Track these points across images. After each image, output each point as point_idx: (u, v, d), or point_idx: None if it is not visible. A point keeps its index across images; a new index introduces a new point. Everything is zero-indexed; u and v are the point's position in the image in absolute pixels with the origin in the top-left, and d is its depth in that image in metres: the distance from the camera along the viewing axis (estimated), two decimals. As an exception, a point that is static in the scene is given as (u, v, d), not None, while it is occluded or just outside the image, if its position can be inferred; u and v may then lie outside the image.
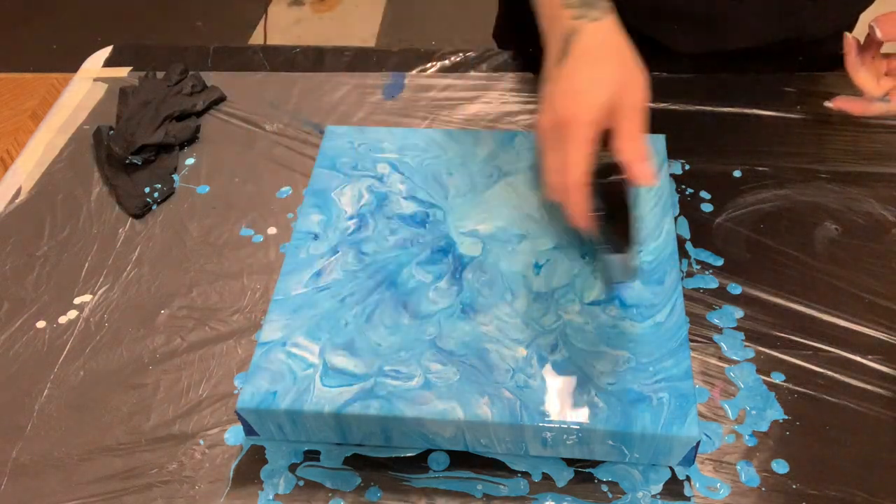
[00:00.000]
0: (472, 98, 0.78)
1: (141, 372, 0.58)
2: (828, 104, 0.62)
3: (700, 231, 0.64)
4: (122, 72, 0.85)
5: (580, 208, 0.48)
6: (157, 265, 0.65)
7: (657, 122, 0.73)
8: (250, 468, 0.52)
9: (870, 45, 0.61)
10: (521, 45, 0.86)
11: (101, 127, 0.76)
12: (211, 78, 0.82)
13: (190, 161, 0.74)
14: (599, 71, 0.49)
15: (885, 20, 0.58)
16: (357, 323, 0.53)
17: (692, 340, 0.57)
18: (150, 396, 0.56)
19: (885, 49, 0.64)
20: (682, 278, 0.61)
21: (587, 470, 0.51)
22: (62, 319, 0.62)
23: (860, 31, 0.68)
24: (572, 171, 0.47)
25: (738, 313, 0.59)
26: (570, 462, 0.51)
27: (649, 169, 0.47)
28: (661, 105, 0.76)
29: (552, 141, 0.49)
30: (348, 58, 0.85)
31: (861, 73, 0.61)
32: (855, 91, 0.65)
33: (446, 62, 0.83)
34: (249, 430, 0.51)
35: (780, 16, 0.74)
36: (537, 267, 0.56)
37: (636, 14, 0.79)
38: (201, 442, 0.54)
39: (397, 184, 0.62)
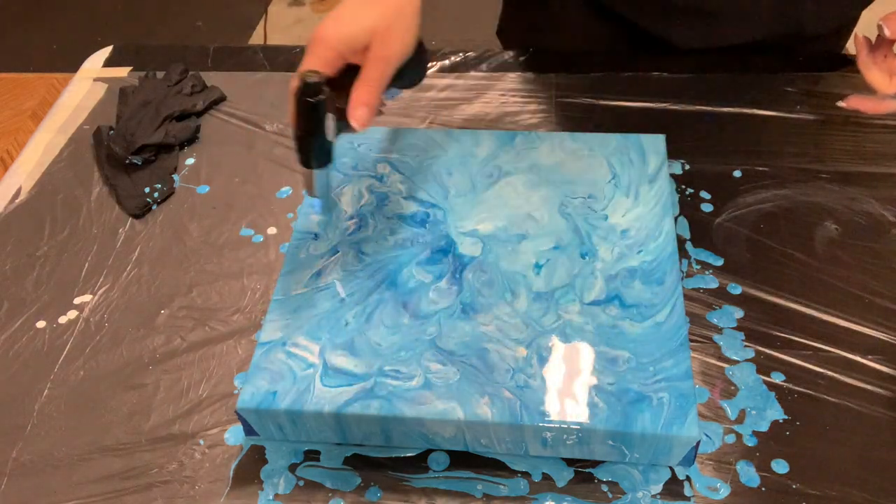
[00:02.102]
0: (472, 98, 0.78)
1: (141, 372, 0.58)
2: (841, 103, 0.62)
3: (700, 231, 0.64)
4: (122, 72, 0.85)
5: (289, 114, 0.51)
6: (157, 265, 0.65)
7: (657, 122, 0.74)
8: (250, 468, 0.52)
9: (881, 44, 0.61)
10: (525, 42, 0.86)
11: (101, 127, 0.76)
12: (211, 78, 0.82)
13: (190, 161, 0.74)
14: (362, 11, 0.52)
15: (893, 18, 0.58)
16: (357, 323, 0.53)
17: (692, 340, 0.57)
18: (150, 396, 0.56)
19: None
20: (682, 278, 0.61)
21: (587, 470, 0.51)
22: (62, 319, 0.62)
23: (863, 29, 0.67)
24: (294, 80, 0.50)
25: (738, 313, 0.59)
26: (570, 462, 0.51)
27: (365, 117, 0.51)
28: (661, 105, 0.76)
29: (310, 39, 0.53)
30: (348, 58, 0.85)
31: (873, 71, 0.61)
32: (865, 90, 0.64)
33: (446, 62, 0.83)
34: (249, 430, 0.51)
35: (779, 11, 0.74)
36: (537, 267, 0.56)
37: (638, 10, 0.79)
38: (201, 442, 0.54)
39: (397, 184, 0.62)
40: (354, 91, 0.51)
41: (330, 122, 0.51)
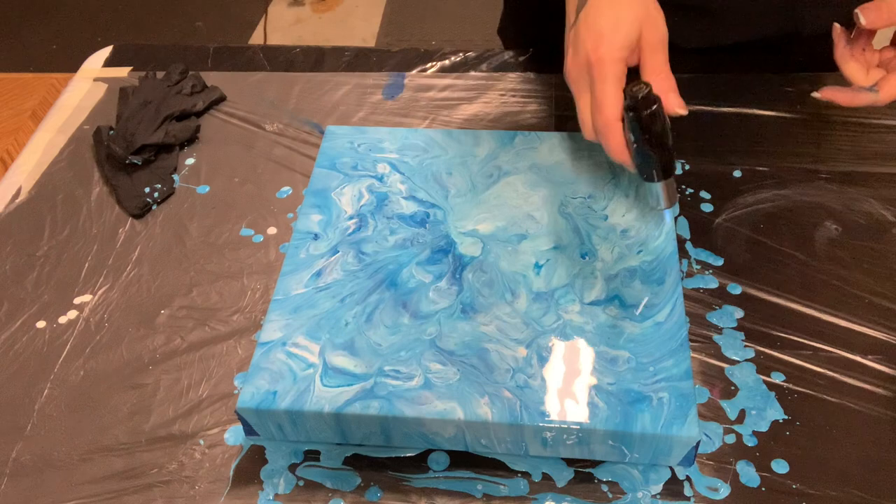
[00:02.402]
0: (472, 98, 0.78)
1: (141, 372, 0.58)
2: (815, 94, 0.62)
3: (700, 231, 0.64)
4: (122, 72, 0.85)
5: (617, 142, 0.50)
6: (157, 265, 0.65)
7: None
8: (250, 468, 0.52)
9: (860, 36, 0.60)
10: (525, 41, 0.86)
11: (101, 127, 0.76)
12: (211, 78, 0.82)
13: (190, 161, 0.74)
14: (620, 11, 0.51)
15: (869, 7, 0.58)
16: (357, 323, 0.53)
17: (692, 340, 0.57)
18: (150, 396, 0.56)
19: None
20: (682, 278, 0.61)
21: (587, 470, 0.51)
22: (62, 319, 0.62)
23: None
24: (607, 109, 0.50)
25: (738, 313, 0.59)
26: (570, 462, 0.51)
27: (679, 100, 0.50)
28: (661, 105, 0.76)
29: (582, 83, 0.52)
30: (348, 58, 0.85)
31: (850, 63, 0.60)
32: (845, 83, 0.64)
33: (446, 62, 0.83)
34: (249, 430, 0.51)
35: (778, 10, 0.74)
36: (537, 267, 0.56)
37: None
38: (201, 442, 0.54)
39: (397, 184, 0.63)
40: (654, 85, 0.50)
41: (667, 123, 0.50)
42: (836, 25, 0.61)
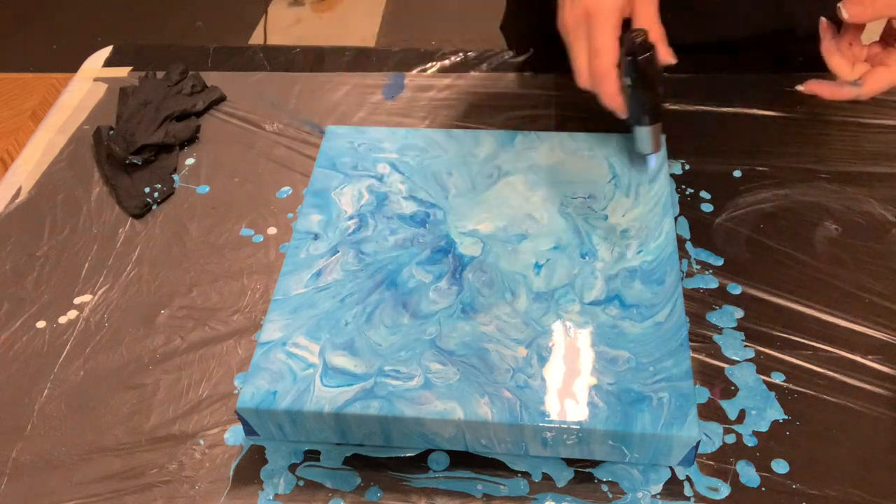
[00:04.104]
0: (472, 98, 0.78)
1: (141, 372, 0.58)
2: (799, 87, 0.62)
3: (700, 231, 0.64)
4: (122, 72, 0.85)
5: (612, 89, 0.53)
6: (157, 265, 0.65)
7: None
8: (250, 468, 0.52)
9: (847, 30, 0.60)
10: (528, 37, 0.86)
11: (101, 127, 0.76)
12: (211, 78, 0.82)
13: (190, 161, 0.74)
14: None
15: (853, 2, 0.58)
16: (357, 323, 0.53)
17: (692, 340, 0.57)
18: (150, 396, 0.56)
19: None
20: (682, 278, 0.61)
21: (587, 470, 0.51)
22: (62, 319, 0.62)
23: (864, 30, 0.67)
24: (603, 56, 0.52)
25: (738, 313, 0.59)
26: (570, 462, 0.51)
27: (668, 49, 0.53)
28: (661, 105, 0.76)
29: (578, 32, 0.54)
30: (348, 58, 0.85)
31: (835, 57, 0.60)
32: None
33: (446, 62, 0.83)
34: (249, 430, 0.51)
35: (765, 7, 0.74)
36: (537, 267, 0.56)
37: None
38: (201, 442, 0.54)
39: (397, 184, 0.63)
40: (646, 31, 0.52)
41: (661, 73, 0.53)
42: (823, 20, 0.61)
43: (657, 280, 0.54)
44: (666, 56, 0.53)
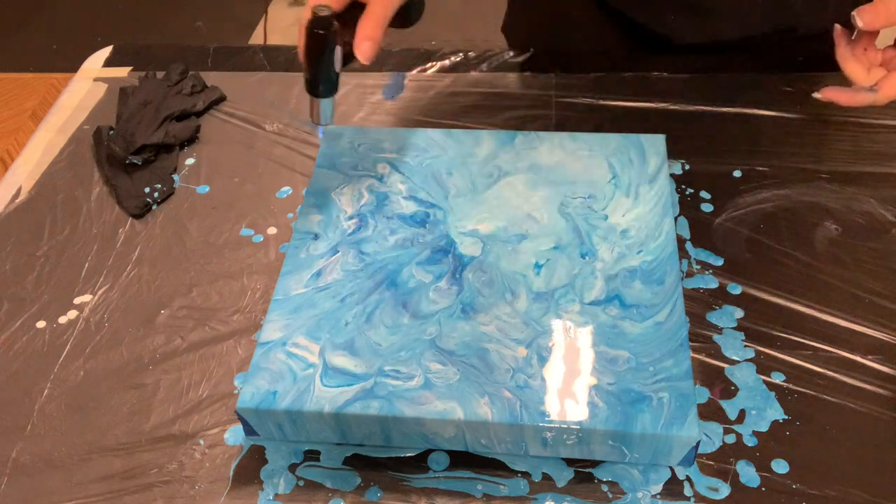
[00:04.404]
0: (472, 98, 0.78)
1: (141, 372, 0.58)
2: (816, 95, 0.62)
3: (700, 231, 0.64)
4: (122, 72, 0.85)
5: (300, 45, 0.55)
6: (157, 265, 0.65)
7: (657, 122, 0.74)
8: (250, 468, 0.52)
9: (861, 36, 0.60)
10: (529, 38, 0.86)
11: (101, 127, 0.76)
12: (211, 78, 0.82)
13: (190, 161, 0.74)
14: None
15: (866, 10, 0.58)
16: (357, 323, 0.53)
17: (692, 340, 0.57)
18: (150, 396, 0.56)
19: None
20: (682, 278, 0.61)
21: (587, 470, 0.51)
22: (62, 319, 0.62)
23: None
24: (305, 10, 0.54)
25: (738, 313, 0.59)
26: (570, 462, 0.51)
27: (369, 49, 0.54)
28: (661, 105, 0.76)
29: None
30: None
31: (850, 62, 0.60)
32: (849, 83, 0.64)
33: (446, 62, 0.83)
34: (249, 430, 0.51)
35: (771, 7, 0.74)
36: (537, 267, 0.56)
37: (633, 4, 0.79)
38: (201, 442, 0.54)
39: (397, 184, 0.63)
40: (360, 26, 0.54)
41: (338, 53, 0.55)
42: (837, 26, 0.61)
43: (657, 280, 0.54)
44: (359, 50, 0.55)
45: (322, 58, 0.55)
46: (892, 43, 0.61)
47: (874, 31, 0.59)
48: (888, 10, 0.57)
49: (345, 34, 0.55)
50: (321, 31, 0.53)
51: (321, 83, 0.56)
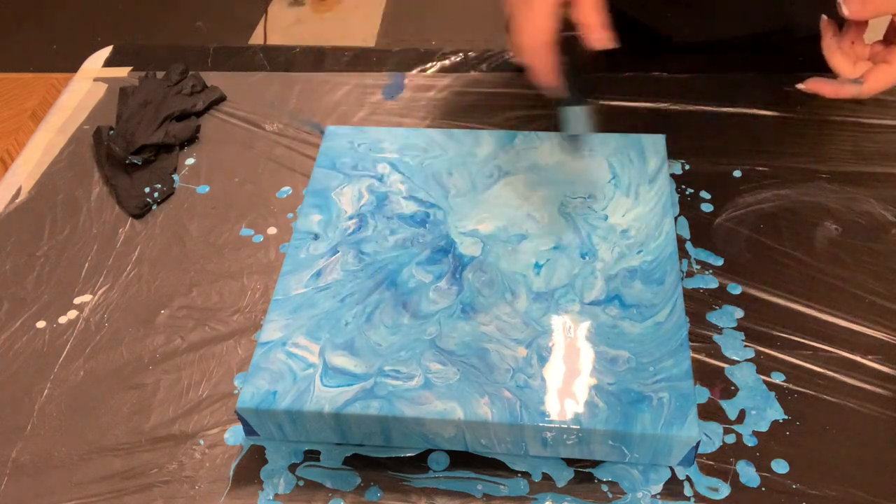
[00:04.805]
0: (472, 98, 0.78)
1: (141, 372, 0.58)
2: (800, 86, 0.62)
3: (700, 231, 0.64)
4: (122, 72, 0.85)
5: (547, 65, 0.53)
6: (157, 265, 0.65)
7: (657, 122, 0.74)
8: (250, 468, 0.52)
9: (849, 29, 0.60)
10: None
11: (101, 127, 0.76)
12: (211, 78, 0.82)
13: (190, 161, 0.74)
14: None
15: None
16: (357, 323, 0.53)
17: (692, 340, 0.57)
18: (150, 396, 0.56)
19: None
20: (682, 278, 0.61)
21: (587, 470, 0.51)
22: (62, 319, 0.62)
23: (868, 31, 0.67)
24: (540, 31, 0.52)
25: (738, 313, 0.59)
26: (570, 462, 0.51)
27: (604, 36, 0.52)
28: (661, 105, 0.76)
29: (520, 5, 0.54)
30: (348, 58, 0.85)
31: (836, 55, 0.60)
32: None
33: (446, 62, 0.83)
34: (249, 430, 0.51)
35: (770, 3, 0.74)
36: (537, 267, 0.56)
37: (634, 1, 0.79)
38: (201, 442, 0.54)
39: (397, 184, 0.63)
40: (584, 19, 0.52)
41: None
42: (824, 17, 0.61)
43: (657, 280, 0.54)
44: (598, 40, 0.53)
45: (581, 62, 0.53)
46: (880, 38, 0.60)
47: (861, 21, 0.59)
48: (874, 0, 0.56)
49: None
50: (570, 33, 0.52)
51: (583, 90, 0.55)
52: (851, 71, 0.59)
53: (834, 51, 0.60)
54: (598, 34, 0.52)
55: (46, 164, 0.75)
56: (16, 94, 2.04)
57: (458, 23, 2.22)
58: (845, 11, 0.57)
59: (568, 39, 0.52)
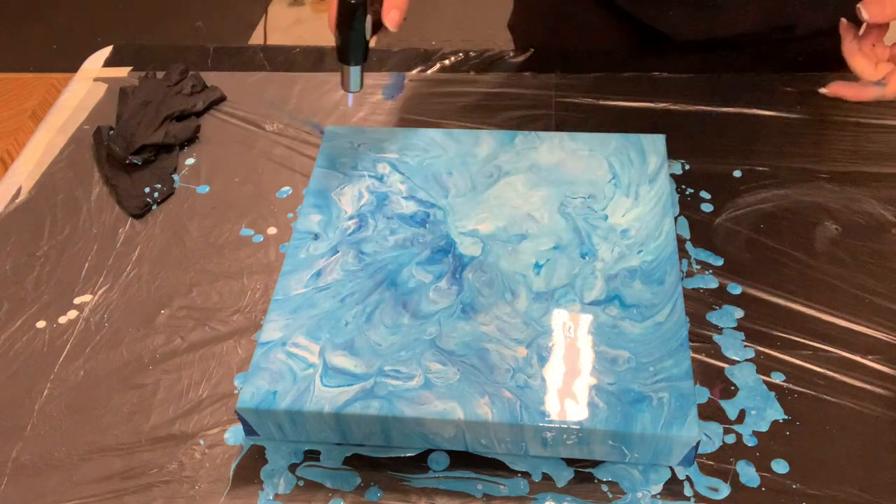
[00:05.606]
0: (472, 98, 0.78)
1: (141, 372, 0.58)
2: (822, 90, 0.62)
3: (700, 231, 0.64)
4: (122, 72, 0.85)
5: (330, 15, 0.57)
6: (157, 265, 0.65)
7: (657, 122, 0.74)
8: (250, 468, 0.52)
9: (869, 31, 0.60)
10: (536, 36, 0.86)
11: (101, 127, 0.76)
12: (211, 78, 0.82)
13: (190, 161, 0.74)
14: None
15: (872, 2, 0.58)
16: (357, 323, 0.53)
17: (692, 340, 0.57)
18: (150, 396, 0.56)
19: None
20: (682, 278, 0.61)
21: (587, 470, 0.51)
22: (62, 319, 0.62)
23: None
24: None
25: (738, 313, 0.59)
26: (570, 462, 0.51)
27: (396, 17, 0.57)
28: (661, 105, 0.76)
29: None
30: (348, 58, 0.85)
31: (857, 57, 0.60)
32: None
33: (446, 62, 0.83)
34: (249, 430, 0.51)
35: (770, 3, 0.74)
36: (537, 267, 0.56)
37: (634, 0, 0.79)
38: (201, 442, 0.54)
39: (397, 184, 0.63)
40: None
41: (368, 21, 0.57)
42: (843, 20, 0.61)
43: (657, 280, 0.54)
44: (388, 19, 0.57)
45: (353, 25, 0.56)
46: None
47: (881, 24, 0.59)
48: (893, 3, 0.57)
49: (374, 2, 0.57)
50: (352, 1, 0.55)
51: (352, 51, 0.58)
52: (873, 73, 0.59)
53: (854, 53, 0.60)
54: (393, 13, 0.57)
55: (46, 164, 0.75)
56: (16, 94, 2.04)
57: (458, 23, 2.22)
58: (865, 16, 0.57)
59: (359, 5, 0.56)
